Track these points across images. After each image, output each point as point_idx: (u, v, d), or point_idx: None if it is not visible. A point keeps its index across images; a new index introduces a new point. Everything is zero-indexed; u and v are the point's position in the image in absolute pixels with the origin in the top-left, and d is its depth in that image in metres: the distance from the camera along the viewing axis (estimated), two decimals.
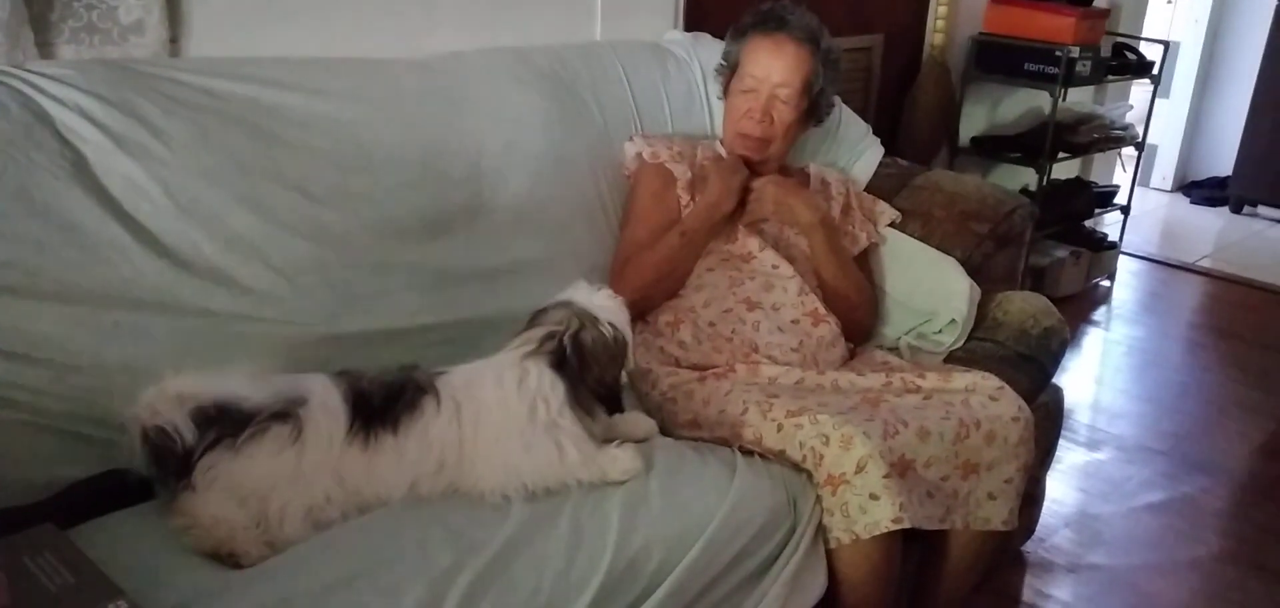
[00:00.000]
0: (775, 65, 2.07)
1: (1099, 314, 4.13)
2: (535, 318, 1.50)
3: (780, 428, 1.65)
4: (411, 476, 1.38)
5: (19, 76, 1.50)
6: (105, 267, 1.48)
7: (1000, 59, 3.74)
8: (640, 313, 2.00)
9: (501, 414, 1.41)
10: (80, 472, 1.40)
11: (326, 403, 1.36)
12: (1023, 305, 2.17)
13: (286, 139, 1.70)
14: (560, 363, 1.43)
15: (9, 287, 1.39)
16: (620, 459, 1.47)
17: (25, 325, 1.40)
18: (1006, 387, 1.78)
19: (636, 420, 1.63)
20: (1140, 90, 4.52)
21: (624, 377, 1.55)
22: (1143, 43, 4.22)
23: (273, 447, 1.30)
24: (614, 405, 1.54)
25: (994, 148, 3.89)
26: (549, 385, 1.42)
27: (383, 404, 1.38)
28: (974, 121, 3.94)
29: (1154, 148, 5.80)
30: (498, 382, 1.42)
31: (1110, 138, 4.06)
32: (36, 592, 1.07)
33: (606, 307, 1.50)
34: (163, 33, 1.78)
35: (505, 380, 1.42)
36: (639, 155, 2.14)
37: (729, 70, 2.18)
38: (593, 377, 1.46)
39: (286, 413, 1.32)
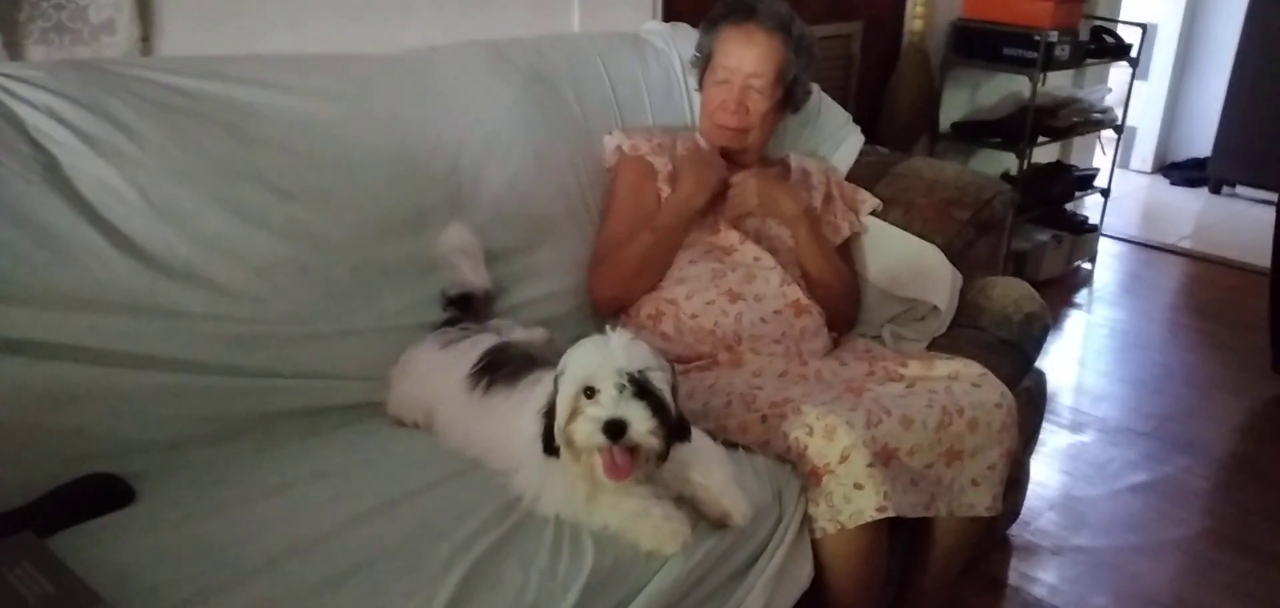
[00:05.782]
0: (747, 55, 2.07)
1: (1080, 297, 4.15)
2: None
3: (764, 420, 1.64)
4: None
5: None
6: (79, 270, 1.46)
7: (979, 44, 3.75)
8: (621, 307, 2.00)
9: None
10: (58, 478, 1.38)
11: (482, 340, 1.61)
12: (1004, 291, 2.18)
13: (262, 137, 1.68)
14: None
15: None
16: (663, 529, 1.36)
17: None
18: (989, 373, 1.78)
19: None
20: (1119, 73, 4.53)
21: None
22: (1121, 25, 4.23)
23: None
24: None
25: (974, 133, 3.90)
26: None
27: (506, 363, 1.54)
28: (954, 107, 3.94)
29: (1133, 130, 5.83)
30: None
31: (1090, 121, 4.08)
32: (14, 602, 1.06)
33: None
34: (134, 32, 1.76)
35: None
36: (619, 148, 2.13)
37: (703, 62, 2.18)
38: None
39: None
